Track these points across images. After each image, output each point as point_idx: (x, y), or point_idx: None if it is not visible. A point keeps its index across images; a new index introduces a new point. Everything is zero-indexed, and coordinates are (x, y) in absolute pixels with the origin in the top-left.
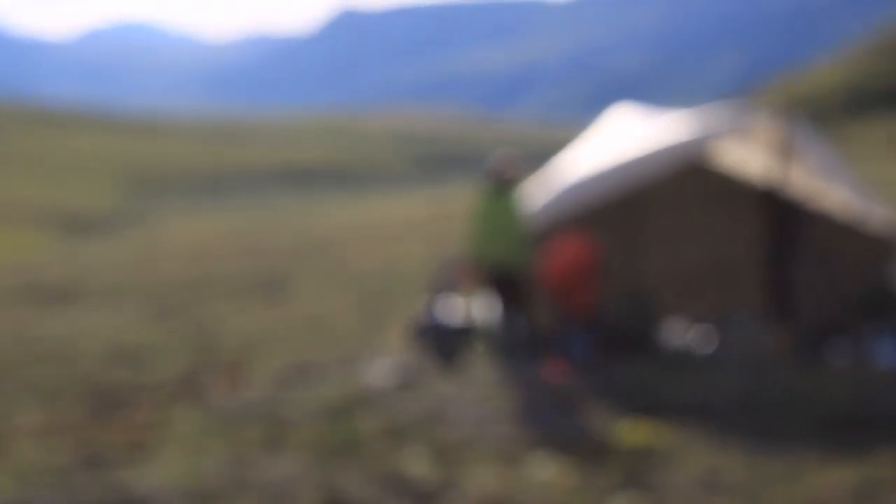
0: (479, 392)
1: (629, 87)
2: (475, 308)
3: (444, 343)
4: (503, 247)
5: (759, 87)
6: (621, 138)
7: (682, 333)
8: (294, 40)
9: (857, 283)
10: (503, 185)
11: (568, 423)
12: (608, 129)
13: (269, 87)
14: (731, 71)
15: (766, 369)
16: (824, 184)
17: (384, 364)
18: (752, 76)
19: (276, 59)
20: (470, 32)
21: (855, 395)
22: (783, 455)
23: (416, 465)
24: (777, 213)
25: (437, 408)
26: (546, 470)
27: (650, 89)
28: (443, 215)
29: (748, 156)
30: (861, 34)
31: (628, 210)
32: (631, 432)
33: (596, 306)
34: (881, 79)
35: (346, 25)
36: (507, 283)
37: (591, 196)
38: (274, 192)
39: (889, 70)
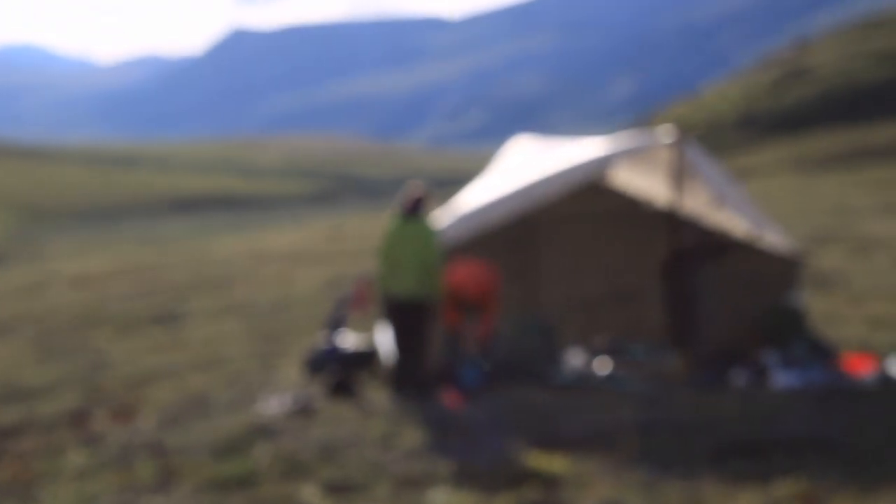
0: (376, 423)
1: (526, 111)
2: (373, 337)
3: (341, 374)
4: (411, 278)
5: (654, 110)
6: (522, 166)
7: (580, 360)
8: (184, 60)
9: (758, 306)
10: (413, 216)
11: (467, 454)
12: (509, 158)
13: (159, 110)
14: (626, 94)
15: (666, 396)
16: (720, 207)
17: (280, 396)
18: (647, 99)
19: (166, 80)
20: (365, 54)
21: (755, 420)
22: (683, 482)
23: (312, 500)
24: (675, 237)
25: (333, 440)
26: (445, 501)
27: (547, 113)
28: (339, 243)
29: (645, 180)
30: (753, 58)
31: (526, 235)
32: (530, 461)
33: (492, 333)
34: (772, 102)
35: (236, 45)
36: (411, 314)
37: (488, 221)
38: (166, 222)
39: (779, 93)
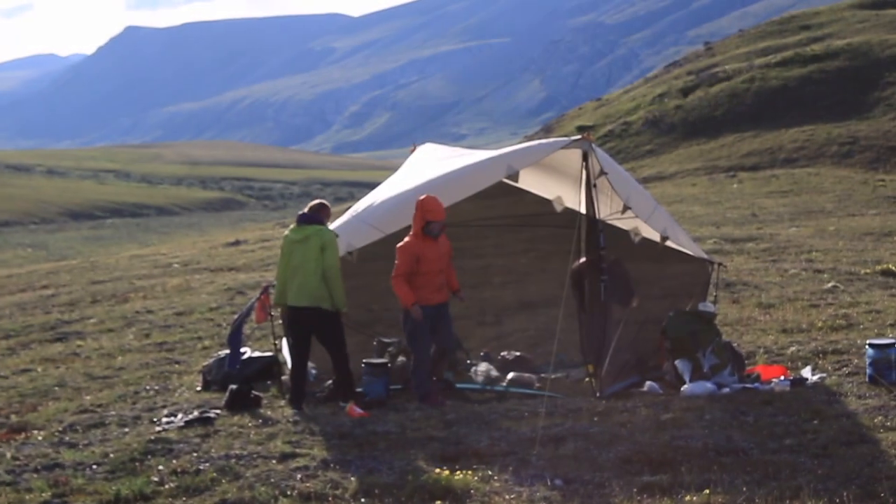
0: (278, 437)
1: (432, 116)
2: (276, 348)
3: (242, 386)
4: (311, 287)
5: (562, 114)
6: (426, 172)
7: (488, 371)
8: (76, 60)
9: (669, 313)
10: (311, 224)
11: (372, 468)
12: (414, 164)
13: (49, 114)
14: (534, 99)
15: (574, 406)
16: (628, 212)
17: (178, 411)
18: (555, 104)
19: (56, 83)
20: (266, 53)
21: (664, 430)
22: (589, 495)
23: None
24: (582, 243)
25: (233, 456)
26: None
27: (454, 118)
28: (240, 252)
29: (552, 185)
30: (662, 62)
31: None
32: (437, 475)
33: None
34: (681, 106)
35: (130, 43)
36: (310, 326)
37: (389, 228)
38: (60, 232)
39: (688, 97)
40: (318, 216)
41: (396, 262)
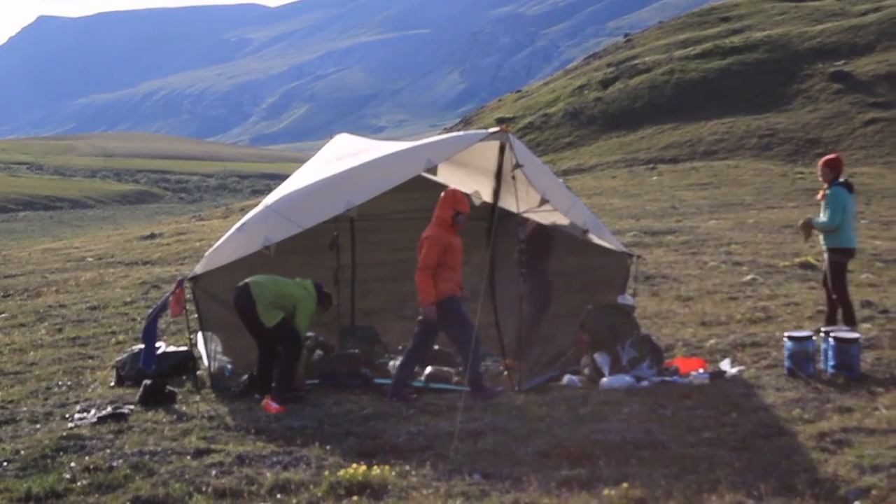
0: (193, 433)
1: (351, 108)
2: (190, 345)
3: (156, 381)
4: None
5: (481, 106)
6: (340, 164)
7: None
8: None
9: (588, 306)
10: None
11: (288, 464)
12: (327, 155)
13: None
14: (453, 91)
15: (492, 400)
16: (546, 205)
17: (91, 406)
18: (474, 95)
19: None
20: (182, 44)
21: (583, 423)
22: (508, 490)
23: None
24: (498, 237)
25: (147, 452)
26: None
27: (372, 110)
28: (156, 245)
29: (470, 177)
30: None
31: (342, 236)
32: (354, 471)
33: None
34: (601, 98)
35: (42, 33)
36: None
37: (302, 222)
38: None
39: (606, 91)
40: (321, 299)
41: (424, 252)
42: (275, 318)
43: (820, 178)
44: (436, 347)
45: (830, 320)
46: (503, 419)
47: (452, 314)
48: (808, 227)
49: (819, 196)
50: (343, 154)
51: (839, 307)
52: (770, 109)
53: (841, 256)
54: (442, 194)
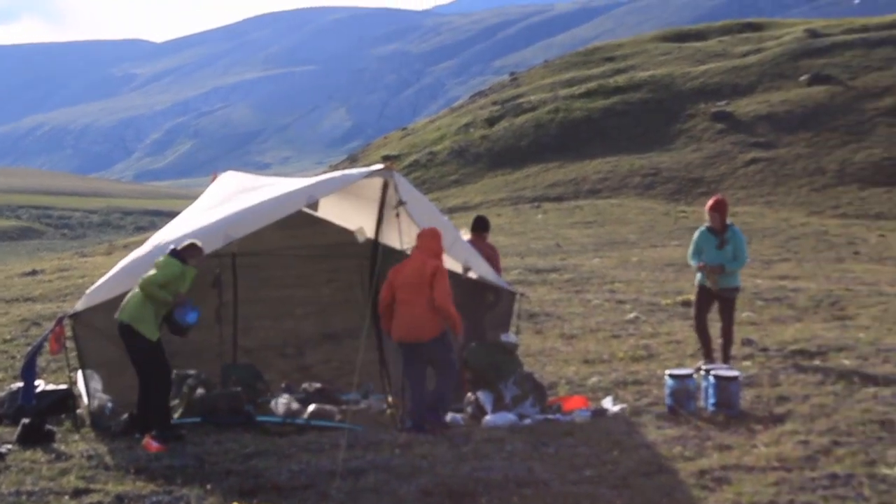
0: (71, 472)
1: (237, 144)
2: (69, 383)
3: (35, 419)
4: (129, 307)
5: (368, 143)
6: (226, 201)
7: (289, 403)
8: None
9: (471, 344)
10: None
11: (166, 503)
12: (213, 193)
13: None
14: (340, 128)
15: (375, 438)
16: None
17: None
18: (360, 133)
19: None
20: (67, 80)
21: (465, 461)
22: None
23: None
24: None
25: (24, 492)
26: None
27: (259, 146)
28: (38, 282)
29: (354, 214)
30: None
31: (223, 273)
32: None
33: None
34: (486, 136)
35: None
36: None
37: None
38: None
39: (491, 129)
40: (182, 257)
41: (441, 285)
42: (154, 331)
43: (710, 222)
44: (318, 385)
45: (726, 355)
46: (385, 457)
47: (449, 346)
48: (716, 273)
49: (719, 244)
50: (231, 192)
51: (730, 342)
52: (654, 149)
53: (736, 294)
54: (429, 230)
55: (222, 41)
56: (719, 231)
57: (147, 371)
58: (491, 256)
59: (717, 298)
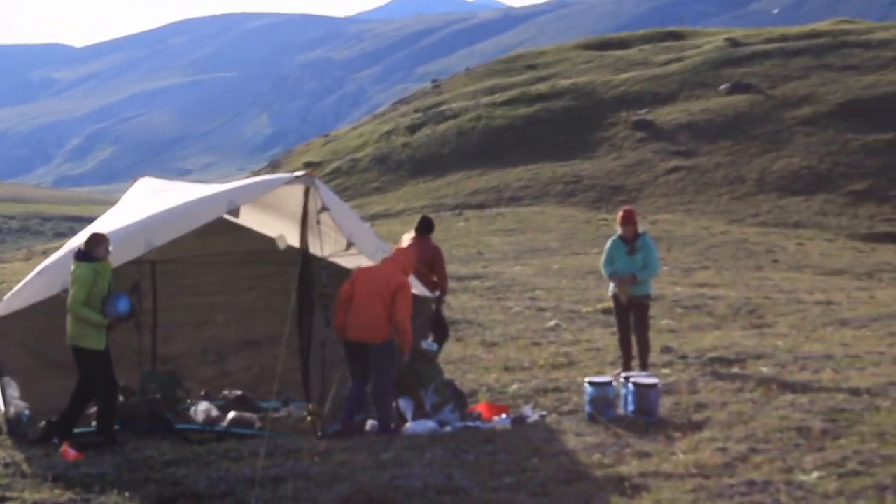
0: None
1: (157, 150)
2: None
3: None
4: (69, 329)
5: (289, 150)
6: (143, 207)
7: (208, 410)
8: None
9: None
10: (77, 265)
11: None
12: (131, 199)
13: None
14: (261, 134)
15: (294, 446)
16: (350, 249)
17: None
18: (282, 139)
19: None
20: None
21: (385, 469)
22: None
23: None
24: (305, 282)
25: None
26: None
27: (180, 152)
28: None
29: (275, 220)
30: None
31: (142, 280)
32: None
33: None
34: (408, 143)
35: None
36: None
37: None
38: None
39: (413, 136)
40: (90, 254)
41: (403, 302)
42: (100, 340)
43: (623, 232)
44: (238, 393)
45: (644, 363)
46: (305, 465)
47: (393, 356)
48: (627, 283)
49: (629, 251)
50: (147, 197)
51: (647, 350)
52: (575, 156)
53: (648, 301)
54: (408, 243)
55: (143, 46)
56: (630, 240)
57: (93, 380)
58: (435, 258)
59: (630, 307)
